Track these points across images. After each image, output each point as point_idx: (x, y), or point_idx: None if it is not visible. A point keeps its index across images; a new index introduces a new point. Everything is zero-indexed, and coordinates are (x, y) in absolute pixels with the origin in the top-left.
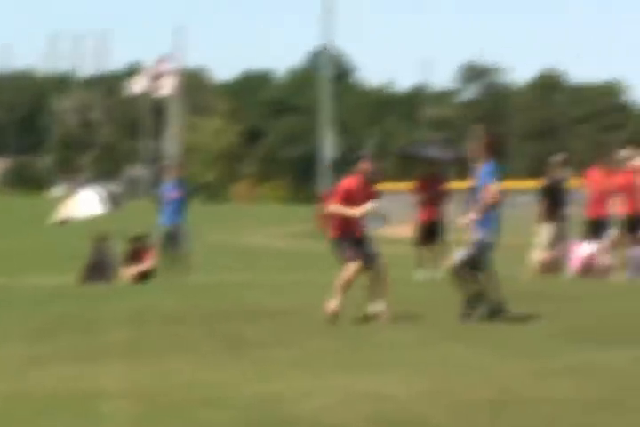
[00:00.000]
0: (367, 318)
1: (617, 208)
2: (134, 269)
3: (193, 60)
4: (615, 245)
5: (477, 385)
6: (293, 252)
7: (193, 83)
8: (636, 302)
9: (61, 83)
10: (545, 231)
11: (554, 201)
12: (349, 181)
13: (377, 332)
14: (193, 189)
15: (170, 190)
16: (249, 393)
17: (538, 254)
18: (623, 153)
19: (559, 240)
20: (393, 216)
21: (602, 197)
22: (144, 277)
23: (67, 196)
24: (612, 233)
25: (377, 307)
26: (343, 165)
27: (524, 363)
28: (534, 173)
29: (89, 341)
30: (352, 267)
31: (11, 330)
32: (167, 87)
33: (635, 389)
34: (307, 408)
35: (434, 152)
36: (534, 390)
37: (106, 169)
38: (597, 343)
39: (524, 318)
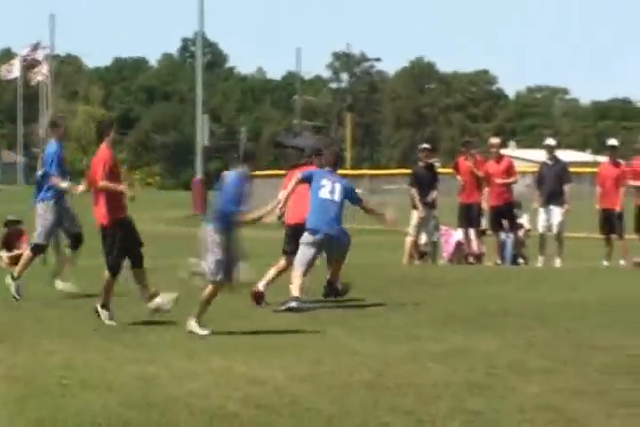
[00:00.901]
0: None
1: (487, 196)
2: (9, 254)
3: (67, 47)
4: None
5: (354, 369)
6: (168, 236)
7: (66, 69)
8: (506, 288)
9: None
10: (414, 218)
11: (424, 188)
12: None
13: (258, 316)
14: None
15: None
16: (124, 376)
17: (409, 240)
18: (493, 141)
19: (429, 226)
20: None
21: (473, 185)
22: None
23: None
24: (484, 221)
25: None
26: (216, 151)
27: (401, 348)
28: (406, 160)
29: None
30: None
31: None
32: (40, 73)
33: (502, 372)
34: (182, 391)
35: (303, 141)
36: (410, 374)
37: None
38: (470, 329)
39: (401, 304)
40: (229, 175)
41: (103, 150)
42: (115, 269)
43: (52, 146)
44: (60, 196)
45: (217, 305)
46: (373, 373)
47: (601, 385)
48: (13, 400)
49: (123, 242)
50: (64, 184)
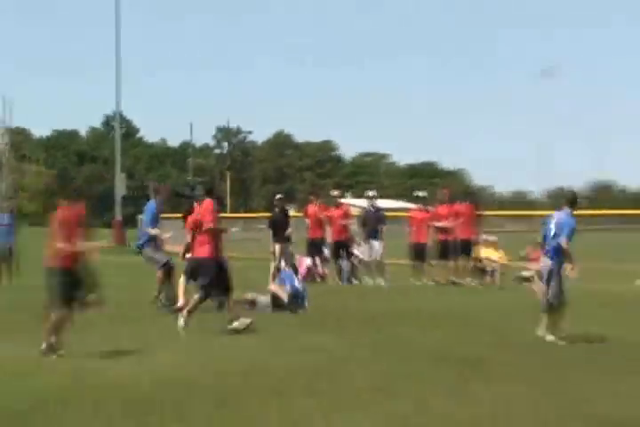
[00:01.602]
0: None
1: (329, 233)
2: None
3: (18, 120)
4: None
5: (234, 359)
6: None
7: (18, 138)
8: (345, 300)
9: None
10: (276, 248)
11: (280, 227)
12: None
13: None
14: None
15: (2, 219)
16: (64, 365)
17: (272, 265)
18: (334, 193)
19: (285, 254)
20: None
21: (318, 224)
22: None
23: None
24: (326, 251)
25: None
26: (129, 200)
27: (273, 343)
28: (268, 207)
29: None
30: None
31: None
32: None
33: (341, 362)
34: (108, 376)
35: (197, 191)
36: (274, 363)
37: None
38: (319, 331)
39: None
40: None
41: (209, 203)
42: (208, 293)
43: (151, 204)
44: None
45: None
46: (247, 363)
47: (418, 370)
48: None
49: (216, 273)
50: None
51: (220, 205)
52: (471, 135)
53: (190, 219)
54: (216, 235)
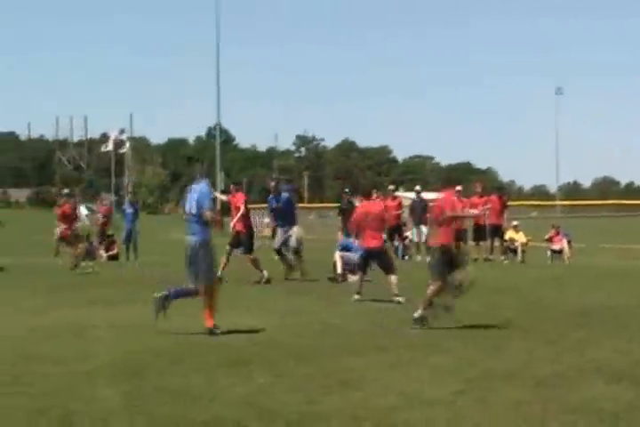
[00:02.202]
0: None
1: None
2: (107, 253)
3: (139, 131)
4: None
5: (310, 322)
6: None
7: (139, 145)
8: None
9: (62, 144)
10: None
11: (347, 215)
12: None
13: (250, 290)
14: (139, 208)
15: (127, 208)
16: (177, 326)
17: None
18: (390, 187)
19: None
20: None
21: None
22: (114, 258)
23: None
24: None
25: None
26: (225, 193)
27: (337, 307)
28: (337, 199)
29: (81, 295)
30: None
31: (33, 289)
32: (124, 147)
33: (402, 323)
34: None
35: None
36: (343, 324)
37: (89, 196)
38: (381, 297)
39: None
40: None
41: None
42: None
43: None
44: None
45: None
46: (321, 324)
47: (463, 331)
48: (110, 340)
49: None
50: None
51: (299, 197)
52: (500, 137)
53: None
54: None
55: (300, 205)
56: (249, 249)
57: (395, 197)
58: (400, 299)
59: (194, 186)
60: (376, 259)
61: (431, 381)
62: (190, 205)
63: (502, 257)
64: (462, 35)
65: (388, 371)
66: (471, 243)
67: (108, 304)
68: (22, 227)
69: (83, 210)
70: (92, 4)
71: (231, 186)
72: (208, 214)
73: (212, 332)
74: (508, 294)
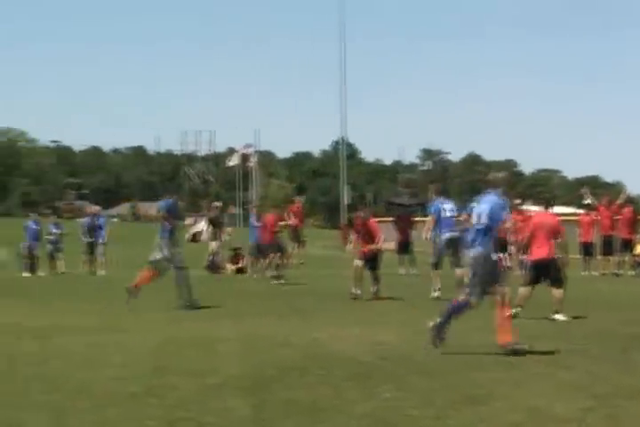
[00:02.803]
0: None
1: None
2: (234, 266)
3: (265, 145)
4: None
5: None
6: (326, 257)
7: (265, 159)
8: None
9: (189, 158)
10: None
11: None
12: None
13: (373, 304)
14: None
15: (253, 222)
16: (304, 339)
17: None
18: (516, 201)
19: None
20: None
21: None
22: (240, 271)
23: (193, 223)
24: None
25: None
26: (352, 206)
27: (461, 324)
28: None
29: (209, 307)
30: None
31: (162, 301)
32: (251, 161)
33: (528, 338)
34: (337, 348)
35: (405, 200)
36: (469, 339)
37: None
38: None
39: None
40: None
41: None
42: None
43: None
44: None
45: None
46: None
47: (586, 346)
48: (238, 353)
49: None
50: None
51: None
52: (630, 150)
53: None
54: None
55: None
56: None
57: (521, 211)
58: (558, 316)
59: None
60: (545, 270)
61: (559, 397)
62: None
63: (631, 272)
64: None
65: (515, 386)
66: (599, 257)
67: (237, 317)
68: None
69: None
70: (218, 21)
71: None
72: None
73: (514, 350)
74: (636, 310)
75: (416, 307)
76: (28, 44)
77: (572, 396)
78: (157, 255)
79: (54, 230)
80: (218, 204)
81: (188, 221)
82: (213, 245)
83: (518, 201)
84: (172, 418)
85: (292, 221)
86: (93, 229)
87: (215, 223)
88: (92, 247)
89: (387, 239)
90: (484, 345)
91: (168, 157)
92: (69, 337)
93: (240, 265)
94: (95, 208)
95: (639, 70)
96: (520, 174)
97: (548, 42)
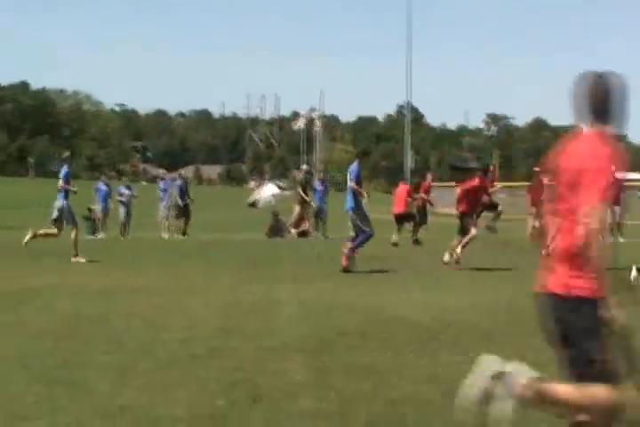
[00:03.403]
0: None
1: None
2: (297, 230)
3: (329, 109)
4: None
5: (497, 299)
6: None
7: (329, 123)
8: None
9: (253, 122)
10: (532, 211)
11: (535, 196)
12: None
13: (434, 267)
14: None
15: (317, 185)
16: (365, 303)
17: (530, 225)
18: None
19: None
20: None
21: None
22: (303, 234)
23: (256, 188)
24: None
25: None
26: (416, 171)
27: (524, 287)
28: (529, 178)
29: (271, 272)
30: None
31: (225, 264)
32: (315, 125)
33: None
34: (398, 313)
35: (470, 164)
36: (529, 304)
37: (279, 173)
38: None
39: (527, 263)
40: None
41: None
42: None
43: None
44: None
45: None
46: (507, 302)
47: None
48: (298, 316)
49: None
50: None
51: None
52: None
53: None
54: None
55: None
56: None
57: None
58: None
59: None
60: None
61: None
62: None
63: None
64: None
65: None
66: None
67: (298, 281)
68: (215, 204)
69: (271, 188)
70: None
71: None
72: None
73: None
74: None
75: (481, 273)
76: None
77: None
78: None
79: (127, 192)
80: (306, 166)
81: (251, 184)
82: (297, 209)
83: None
84: (232, 380)
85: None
86: (186, 192)
87: (304, 186)
88: (182, 210)
89: (448, 205)
90: None
91: (232, 120)
92: (133, 298)
93: (303, 229)
94: (160, 171)
95: None
96: None
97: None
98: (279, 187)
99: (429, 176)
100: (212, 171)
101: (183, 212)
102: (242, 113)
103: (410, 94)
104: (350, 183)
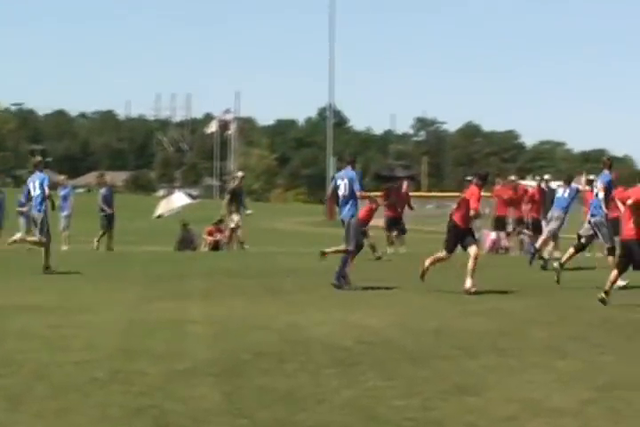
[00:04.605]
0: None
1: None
2: (212, 240)
3: (245, 111)
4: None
5: (425, 319)
6: (309, 233)
7: (245, 126)
8: (524, 270)
9: (163, 125)
10: None
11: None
12: None
13: (359, 284)
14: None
15: None
16: (282, 322)
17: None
18: (511, 177)
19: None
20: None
21: (503, 203)
22: (216, 247)
23: (164, 196)
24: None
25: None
26: None
27: (454, 306)
28: (460, 187)
29: (180, 287)
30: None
31: (131, 280)
32: (230, 128)
33: (524, 324)
34: (317, 333)
35: (396, 172)
36: (460, 323)
37: (190, 180)
38: (502, 295)
39: (455, 279)
40: None
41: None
42: None
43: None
44: None
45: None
46: (438, 322)
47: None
48: (208, 336)
49: None
50: None
51: (416, 185)
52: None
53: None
54: None
55: (417, 193)
56: None
57: (516, 186)
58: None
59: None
60: (630, 251)
61: (556, 388)
62: None
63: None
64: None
65: (509, 376)
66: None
67: (207, 297)
68: (120, 213)
69: (181, 196)
70: None
71: None
72: None
73: None
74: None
75: (403, 289)
76: None
77: (571, 387)
78: None
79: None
80: (241, 173)
81: (160, 193)
82: (235, 218)
83: (513, 177)
84: (137, 406)
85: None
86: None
87: (237, 195)
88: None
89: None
90: (478, 331)
91: (140, 122)
92: (29, 317)
93: (217, 238)
94: (60, 177)
95: None
96: (521, 147)
97: (548, 7)
98: (190, 195)
99: (404, 184)
100: (118, 177)
101: (108, 223)
102: (150, 114)
103: (332, 96)
104: (358, 193)
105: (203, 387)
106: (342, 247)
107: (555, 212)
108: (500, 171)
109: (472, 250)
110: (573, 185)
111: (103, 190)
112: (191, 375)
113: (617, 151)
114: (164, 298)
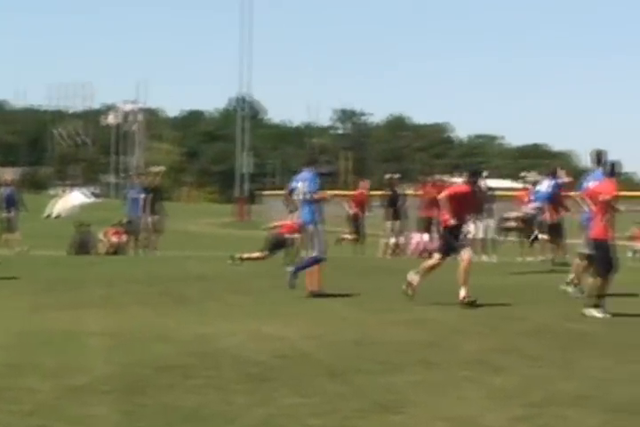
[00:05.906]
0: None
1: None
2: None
3: (152, 102)
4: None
5: (344, 330)
6: (219, 236)
7: (150, 118)
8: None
9: (59, 116)
10: (387, 226)
11: (394, 205)
12: None
13: (274, 292)
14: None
15: (134, 193)
16: (188, 333)
17: (383, 242)
18: (436, 177)
19: (400, 232)
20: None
21: (430, 203)
22: (115, 251)
23: (60, 195)
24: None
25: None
26: (255, 176)
27: (377, 316)
28: (383, 186)
29: (76, 295)
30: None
31: (21, 287)
32: (132, 121)
33: (453, 335)
34: (227, 345)
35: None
36: (384, 335)
37: (88, 177)
38: (429, 303)
39: (377, 285)
40: None
41: None
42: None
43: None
44: None
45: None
46: (359, 333)
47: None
48: (107, 349)
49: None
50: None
51: (334, 181)
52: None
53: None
54: None
55: (339, 192)
56: None
57: (439, 184)
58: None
59: None
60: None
61: (487, 404)
62: None
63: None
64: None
65: (435, 392)
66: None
67: (106, 306)
68: None
69: (79, 196)
70: None
71: None
72: None
73: None
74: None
75: (324, 297)
76: None
77: (503, 403)
78: None
79: None
80: (159, 168)
81: (56, 191)
82: (150, 220)
83: (437, 177)
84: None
85: (353, 209)
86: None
87: (157, 193)
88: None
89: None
90: (403, 342)
91: (33, 114)
92: None
93: (118, 240)
94: None
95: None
96: (451, 141)
97: None
98: (93, 194)
99: (362, 184)
100: (8, 174)
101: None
102: (44, 105)
103: (246, 85)
104: (314, 195)
105: (100, 406)
106: (258, 254)
107: (535, 204)
108: (430, 167)
109: (435, 257)
110: (557, 179)
111: (5, 190)
112: (87, 393)
113: (558, 146)
114: (57, 307)
